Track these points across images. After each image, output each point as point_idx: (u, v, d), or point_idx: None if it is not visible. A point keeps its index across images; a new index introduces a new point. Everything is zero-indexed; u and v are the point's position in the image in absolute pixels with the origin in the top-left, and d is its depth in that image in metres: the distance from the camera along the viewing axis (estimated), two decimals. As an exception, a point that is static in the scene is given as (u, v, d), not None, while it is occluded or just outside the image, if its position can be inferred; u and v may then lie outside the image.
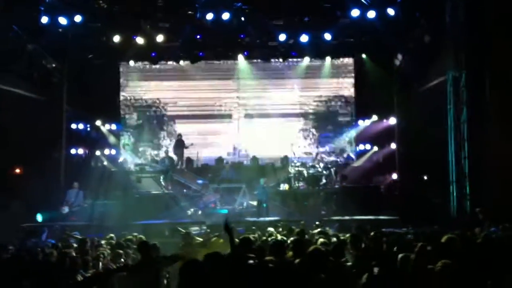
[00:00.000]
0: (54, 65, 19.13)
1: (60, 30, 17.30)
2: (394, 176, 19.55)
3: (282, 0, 16.90)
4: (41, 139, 17.99)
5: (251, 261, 6.44)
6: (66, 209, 16.88)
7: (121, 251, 9.10)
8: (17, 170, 18.01)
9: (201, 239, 10.80)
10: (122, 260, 8.80)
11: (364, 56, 20.38)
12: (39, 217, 16.14)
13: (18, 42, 17.10)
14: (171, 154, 20.21)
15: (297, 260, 6.65)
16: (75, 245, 9.83)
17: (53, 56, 18.87)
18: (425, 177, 18.40)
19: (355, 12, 16.70)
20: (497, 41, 14.38)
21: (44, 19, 16.66)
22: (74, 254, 8.55)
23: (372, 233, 9.06)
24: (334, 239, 9.16)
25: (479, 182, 14.91)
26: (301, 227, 11.02)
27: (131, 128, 21.54)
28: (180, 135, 20.62)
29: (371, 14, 16.63)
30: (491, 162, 14.46)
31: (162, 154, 20.55)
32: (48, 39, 17.51)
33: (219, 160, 20.28)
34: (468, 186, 15.24)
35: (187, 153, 20.49)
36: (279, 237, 9.40)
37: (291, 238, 8.37)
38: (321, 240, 8.29)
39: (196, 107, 21.47)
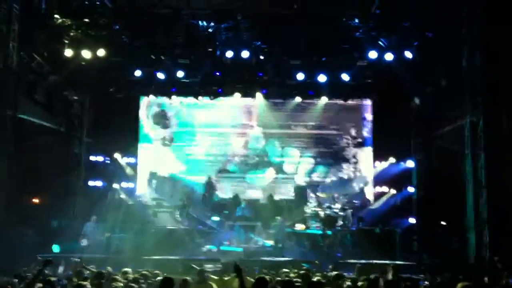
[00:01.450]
0: (75, 97, 19.42)
1: (83, 63, 17.65)
2: (412, 220, 19.28)
3: (301, 40, 17.07)
4: (60, 170, 18.16)
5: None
6: (85, 242, 16.86)
7: (135, 286, 9.05)
8: (35, 200, 18.10)
9: (215, 277, 10.70)
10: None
11: (381, 97, 20.37)
12: (55, 248, 16.11)
13: (41, 73, 17.42)
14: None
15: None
16: (89, 278, 9.80)
17: (75, 88, 19.17)
18: (443, 222, 18.14)
19: (373, 54, 16.93)
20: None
21: (68, 52, 17.05)
22: (89, 287, 8.52)
23: (389, 279, 8.94)
24: (349, 283, 9.03)
25: (498, 229, 14.66)
26: (317, 265, 10.87)
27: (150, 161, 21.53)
28: (210, 177, 20.61)
29: (389, 56, 16.85)
30: (510, 209, 14.25)
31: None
32: (70, 71, 17.84)
33: (235, 197, 20.21)
34: (488, 233, 14.96)
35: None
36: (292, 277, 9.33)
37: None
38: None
39: (214, 142, 21.52)
